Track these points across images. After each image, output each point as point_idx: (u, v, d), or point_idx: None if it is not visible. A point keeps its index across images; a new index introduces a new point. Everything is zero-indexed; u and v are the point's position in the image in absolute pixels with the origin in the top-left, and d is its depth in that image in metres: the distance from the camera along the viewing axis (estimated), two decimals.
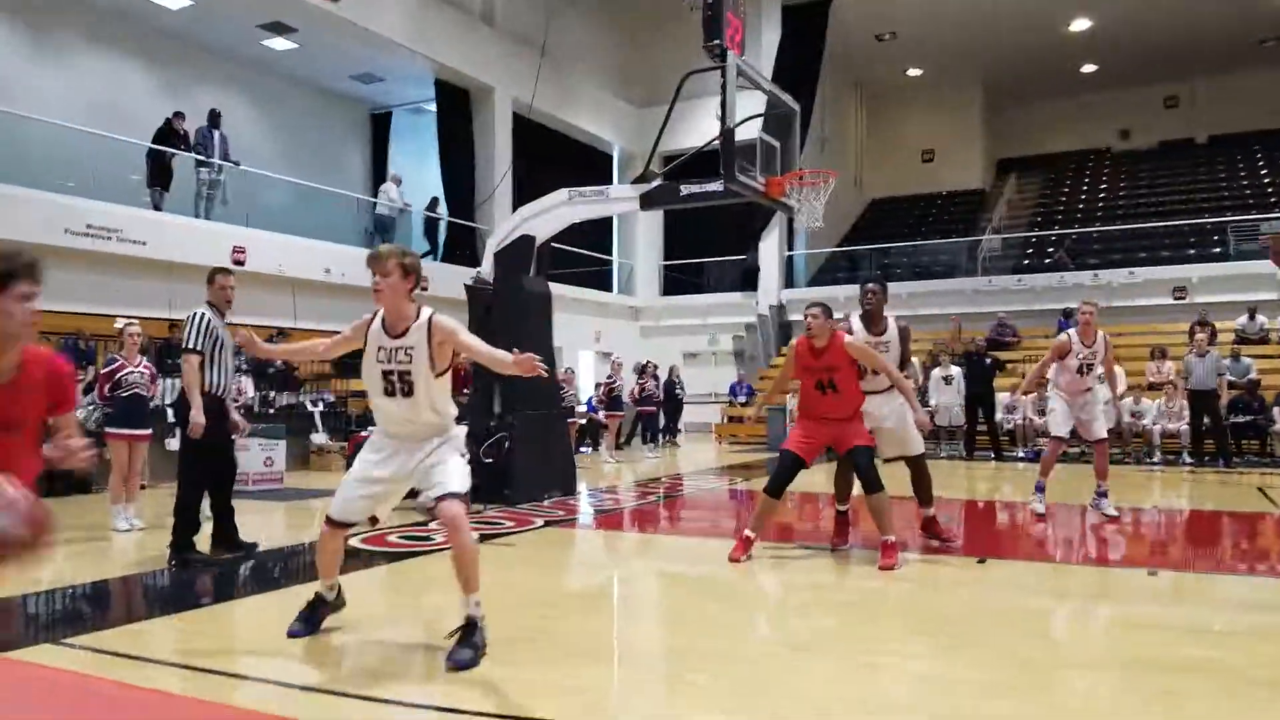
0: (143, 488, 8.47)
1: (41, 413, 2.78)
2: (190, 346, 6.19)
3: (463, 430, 4.25)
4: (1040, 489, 8.13)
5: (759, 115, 12.32)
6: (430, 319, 4.01)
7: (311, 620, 4.35)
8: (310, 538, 7.93)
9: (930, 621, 4.75)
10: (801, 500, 9.57)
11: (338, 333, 4.35)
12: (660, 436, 18.42)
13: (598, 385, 17.88)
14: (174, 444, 6.67)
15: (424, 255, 17.91)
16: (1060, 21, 23.08)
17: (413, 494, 4.27)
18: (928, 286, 21.19)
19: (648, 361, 18.77)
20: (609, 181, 21.55)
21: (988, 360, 15.43)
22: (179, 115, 14.72)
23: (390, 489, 4.15)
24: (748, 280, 23.69)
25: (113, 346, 9.36)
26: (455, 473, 4.02)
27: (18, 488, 2.34)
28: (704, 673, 3.85)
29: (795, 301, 23.17)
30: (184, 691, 3.55)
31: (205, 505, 6.50)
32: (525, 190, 17.65)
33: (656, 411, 18.12)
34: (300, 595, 4.54)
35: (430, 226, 19.60)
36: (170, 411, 9.33)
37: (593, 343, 22.30)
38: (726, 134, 10.44)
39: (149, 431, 8.17)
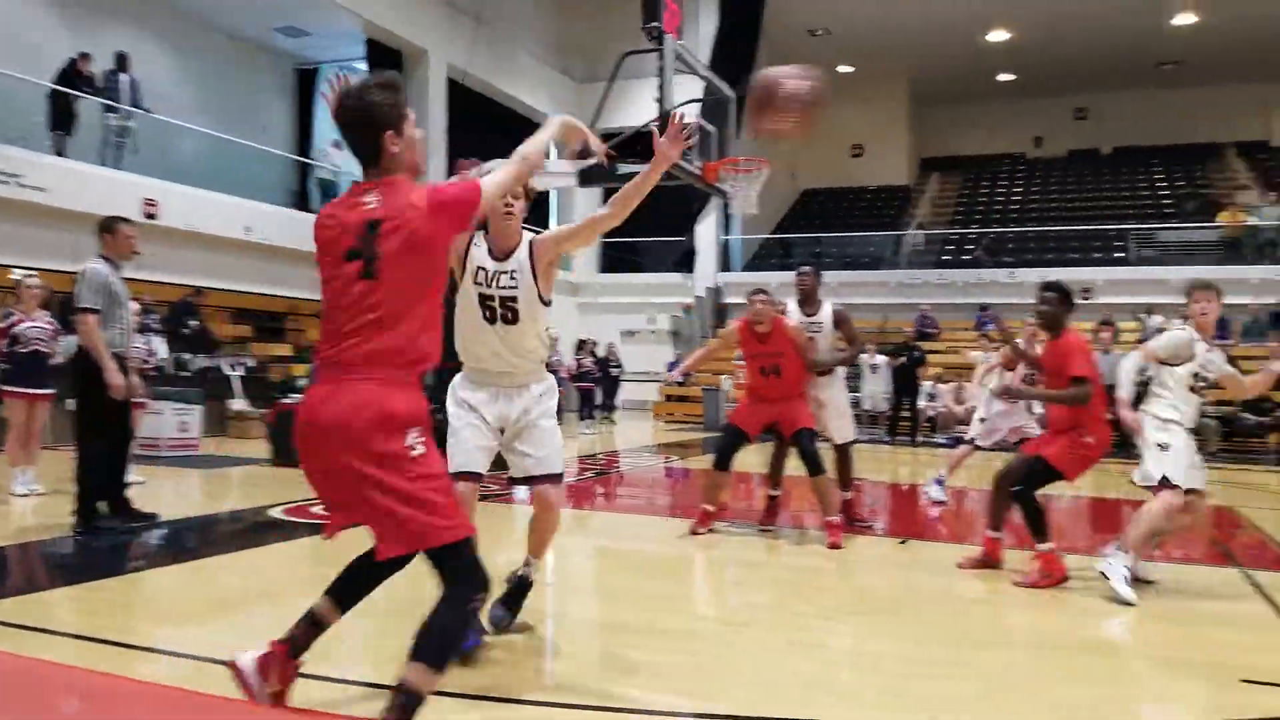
0: (45, 449, 8.08)
1: None
2: (84, 305, 5.78)
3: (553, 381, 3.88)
4: (940, 481, 8.26)
5: (696, 100, 12.45)
6: (531, 241, 3.71)
7: (512, 605, 3.94)
8: (226, 507, 7.80)
9: (861, 600, 4.97)
10: (735, 479, 9.75)
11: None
12: (596, 413, 18.53)
13: None
14: (72, 405, 6.34)
15: None
16: (980, 31, 23.76)
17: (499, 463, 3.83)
18: (856, 277, 21.71)
19: (587, 339, 18.85)
20: (546, 156, 21.38)
21: (915, 352, 15.99)
22: (85, 56, 13.96)
23: (495, 438, 3.69)
24: (686, 262, 23.90)
25: (9, 299, 8.83)
26: (557, 447, 3.73)
27: None
28: (641, 649, 3.89)
29: (731, 285, 23.50)
30: (84, 663, 3.36)
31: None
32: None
33: (594, 388, 18.23)
34: (210, 567, 4.41)
35: None
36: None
37: None
38: (664, 116, 10.53)
39: (51, 391, 7.65)
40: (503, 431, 3.69)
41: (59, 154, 13.45)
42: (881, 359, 16.26)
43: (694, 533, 6.33)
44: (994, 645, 4.18)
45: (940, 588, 5.19)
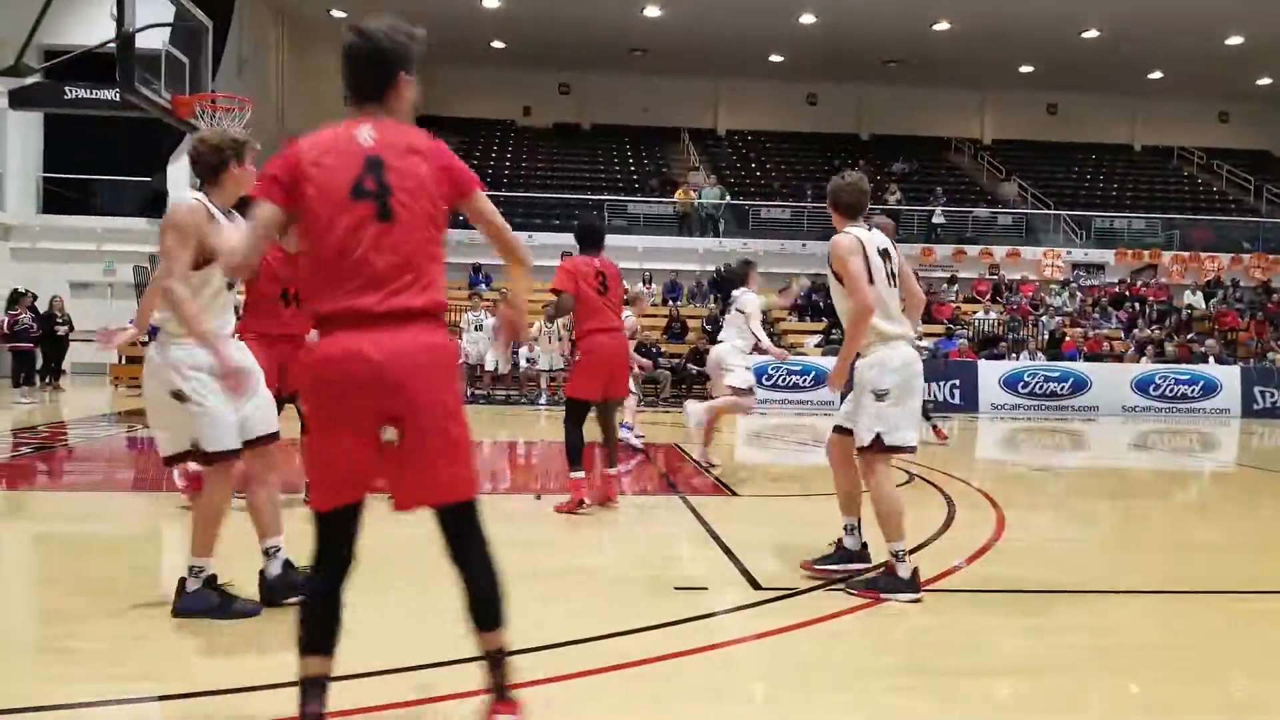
0: None
1: None
2: None
3: None
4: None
5: (165, 25, 11.15)
6: None
7: None
8: None
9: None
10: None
11: None
12: (37, 378, 15.76)
13: None
14: None
15: None
16: None
17: None
18: None
19: (25, 290, 15.83)
20: None
21: None
22: None
23: None
24: (155, 206, 21.22)
25: None
26: None
27: None
28: (80, 636, 3.52)
29: None
30: None
31: None
32: None
33: (34, 349, 15.44)
34: None
35: None
36: None
37: None
38: (124, 38, 9.28)
39: None
40: None
41: None
42: None
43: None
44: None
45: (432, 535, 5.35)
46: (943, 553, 5.14)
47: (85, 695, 2.94)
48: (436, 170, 2.52)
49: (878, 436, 4.17)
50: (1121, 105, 31.43)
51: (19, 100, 8.96)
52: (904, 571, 4.17)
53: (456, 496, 2.53)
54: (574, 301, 6.03)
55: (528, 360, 17.06)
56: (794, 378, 16.83)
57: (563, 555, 5.06)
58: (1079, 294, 22.10)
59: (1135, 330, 20.17)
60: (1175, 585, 4.67)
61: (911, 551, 4.46)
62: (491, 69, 29.59)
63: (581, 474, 6.10)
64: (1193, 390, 17.42)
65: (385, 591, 3.94)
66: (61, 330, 16.79)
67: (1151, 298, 22.22)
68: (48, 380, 16.50)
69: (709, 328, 19.08)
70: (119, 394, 16.54)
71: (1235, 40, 25.98)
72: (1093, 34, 25.82)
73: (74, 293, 19.80)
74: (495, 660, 2.53)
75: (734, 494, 7.01)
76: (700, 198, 23.33)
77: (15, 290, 15.71)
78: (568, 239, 23.12)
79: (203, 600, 3.71)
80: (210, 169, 3.90)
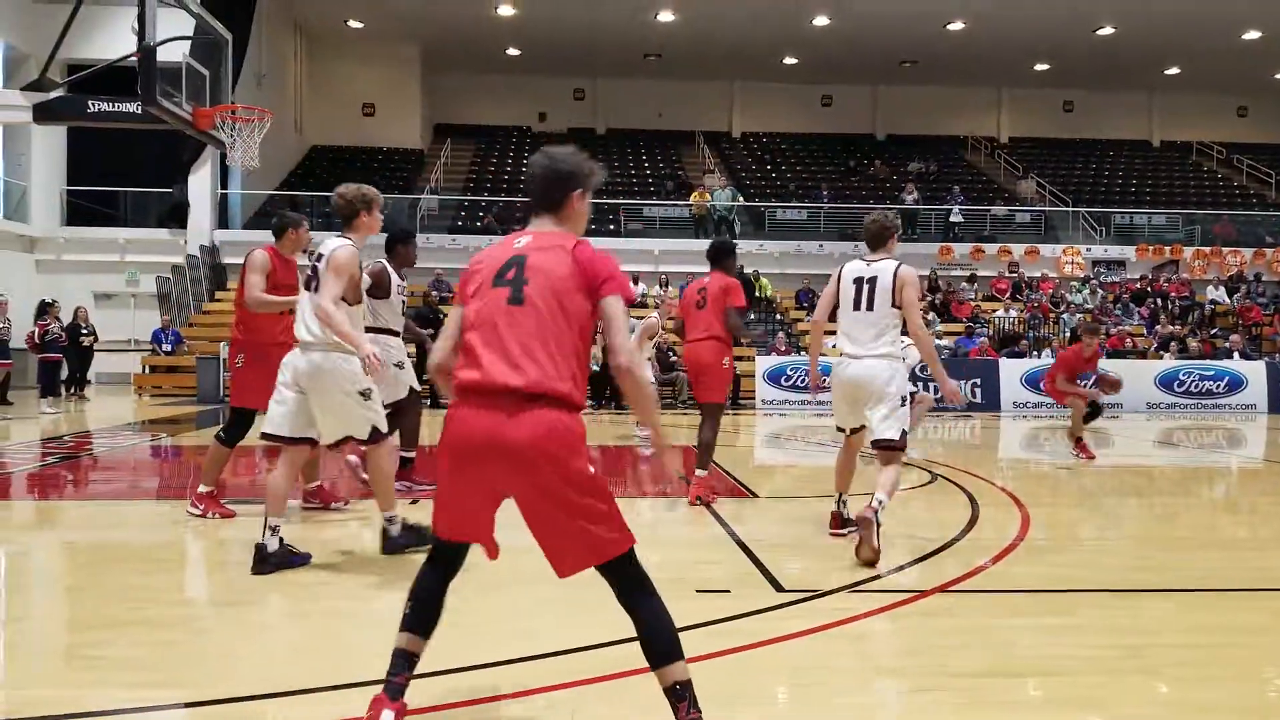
0: None
1: None
2: None
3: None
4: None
5: (185, 38, 11.27)
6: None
7: None
8: None
9: (366, 564, 4.94)
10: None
11: None
12: (62, 389, 15.95)
13: None
14: None
15: None
16: (489, 4, 24.55)
17: None
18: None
19: (52, 301, 16.05)
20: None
21: (442, 315, 16.45)
22: None
23: None
24: (176, 216, 21.47)
25: None
26: None
27: None
28: (113, 644, 3.57)
29: (230, 244, 21.67)
30: None
31: None
32: None
33: (60, 360, 15.63)
34: None
35: None
36: None
37: None
38: (146, 51, 9.37)
39: None
40: None
41: None
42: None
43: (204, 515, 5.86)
44: (506, 587, 4.43)
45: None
46: (967, 552, 5.12)
47: (115, 702, 2.98)
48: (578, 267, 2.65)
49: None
50: (1138, 101, 31.18)
51: (43, 114, 9.07)
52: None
53: (592, 561, 2.71)
54: (679, 324, 6.85)
55: None
56: None
57: None
58: (1100, 291, 21.91)
59: (1158, 326, 19.98)
60: (1205, 584, 4.62)
61: (936, 551, 4.44)
62: (507, 76, 29.71)
63: (705, 474, 6.61)
64: (1218, 386, 17.24)
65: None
66: (86, 340, 16.98)
67: (1174, 293, 22.00)
68: (73, 390, 16.68)
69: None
70: (143, 403, 16.70)
71: (1252, 35, 25.73)
72: (1107, 30, 25.64)
73: (97, 303, 20.08)
74: (671, 693, 2.65)
75: (754, 495, 6.99)
76: (715, 200, 23.30)
77: (43, 301, 15.92)
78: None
79: (406, 539, 4.88)
80: (346, 218, 4.88)
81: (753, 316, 21.04)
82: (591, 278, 2.61)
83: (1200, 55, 27.24)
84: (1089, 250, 23.82)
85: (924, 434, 11.94)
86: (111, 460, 9.35)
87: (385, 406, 5.13)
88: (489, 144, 29.74)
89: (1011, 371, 17.20)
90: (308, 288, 4.77)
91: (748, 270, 21.39)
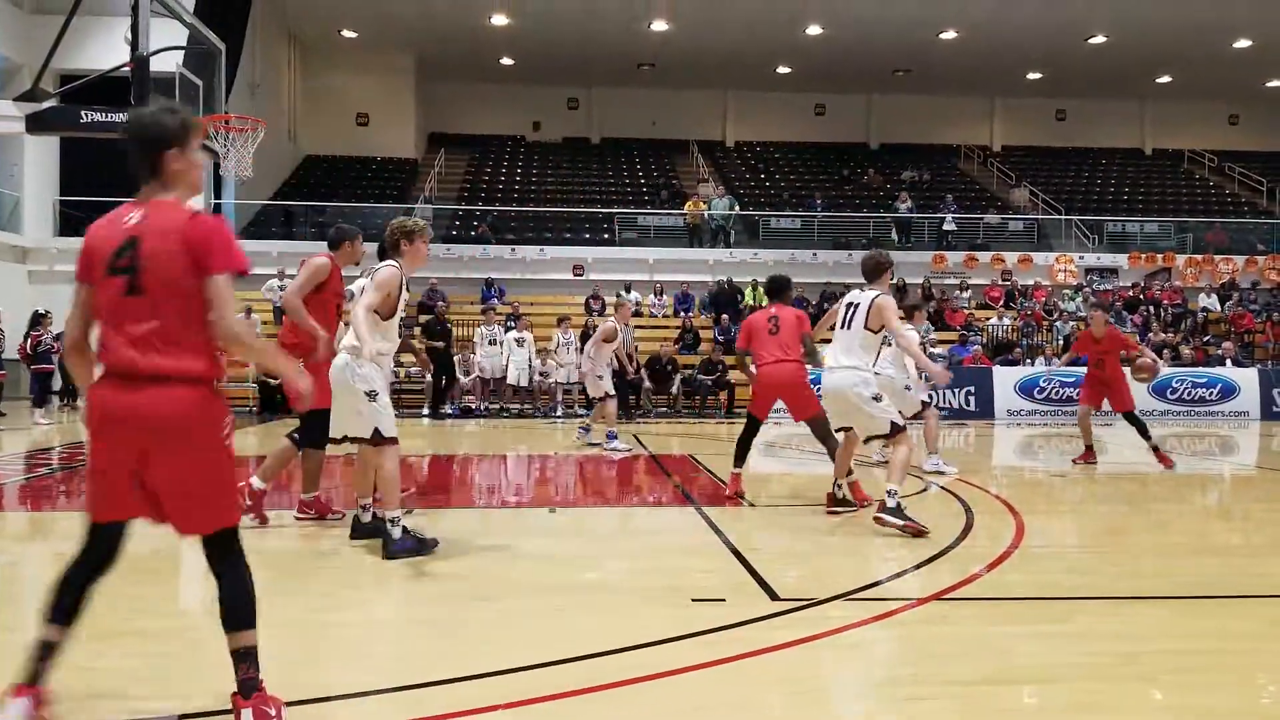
0: None
1: None
2: None
3: None
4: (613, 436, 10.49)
5: (179, 48, 11.28)
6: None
7: None
8: None
9: (363, 573, 4.92)
10: None
11: None
12: (57, 399, 15.90)
13: None
14: None
15: None
16: (483, 13, 24.59)
17: None
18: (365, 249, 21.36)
19: (45, 312, 16.00)
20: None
21: (448, 324, 16.73)
22: None
23: None
24: None
25: None
26: None
27: None
28: (107, 655, 3.56)
29: None
30: None
31: None
32: None
33: (53, 371, 15.58)
34: None
35: None
36: None
37: None
38: (139, 61, 9.38)
39: None
40: None
41: None
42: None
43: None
44: (500, 597, 4.42)
45: (456, 550, 5.36)
46: (962, 560, 5.12)
47: (107, 713, 2.97)
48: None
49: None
50: (1130, 109, 31.35)
51: (36, 124, 9.05)
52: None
53: (212, 526, 2.84)
54: (746, 355, 7.16)
55: (541, 374, 17.07)
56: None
57: (579, 568, 5.06)
58: (1093, 298, 21.97)
59: (1150, 334, 20.04)
60: (1199, 590, 4.63)
61: (931, 559, 4.43)
62: (501, 85, 29.75)
63: (739, 471, 7.08)
64: (1211, 393, 17.29)
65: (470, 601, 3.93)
66: None
67: (1166, 301, 22.07)
68: (65, 401, 16.62)
69: (721, 338, 19.08)
70: None
71: (1243, 43, 25.90)
72: (1100, 39, 25.78)
73: None
74: (237, 655, 2.84)
75: (750, 504, 6.99)
76: (710, 209, 23.34)
77: (36, 312, 15.85)
78: (579, 252, 23.42)
79: (406, 544, 5.00)
80: (391, 246, 5.33)
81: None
82: (201, 256, 2.64)
83: (1192, 64, 27.41)
84: (1082, 258, 23.89)
85: (920, 443, 11.95)
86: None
87: (351, 439, 5.33)
88: (483, 153, 29.76)
89: (1005, 379, 17.23)
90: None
91: (738, 280, 21.43)
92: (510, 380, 16.88)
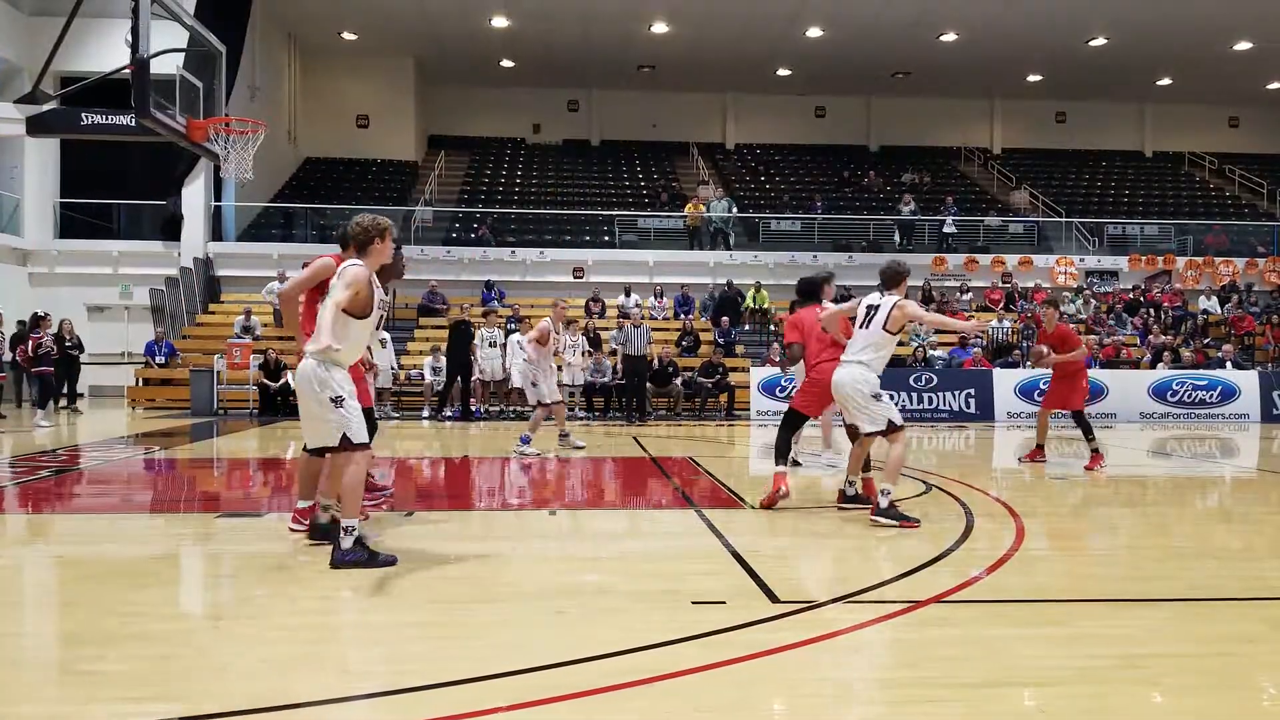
0: None
1: None
2: None
3: None
4: (526, 440, 10.32)
5: (179, 50, 11.28)
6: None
7: None
8: None
9: (364, 576, 4.91)
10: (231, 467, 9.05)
11: None
12: (52, 403, 15.89)
13: None
14: None
15: None
16: (483, 16, 24.61)
17: None
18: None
19: (45, 314, 16.02)
20: None
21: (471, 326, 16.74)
22: None
23: None
24: (169, 229, 21.49)
25: None
26: None
27: None
28: (107, 659, 3.55)
29: (224, 256, 21.69)
30: None
31: None
32: None
33: (53, 373, 15.59)
34: None
35: None
36: None
37: None
38: (140, 63, 9.37)
39: None
40: None
41: None
42: (386, 334, 16.25)
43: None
44: (500, 600, 4.42)
45: (450, 552, 5.36)
46: (962, 563, 5.11)
47: (110, 717, 2.96)
48: None
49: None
50: (1131, 112, 31.37)
51: (37, 127, 9.06)
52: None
53: None
54: (803, 350, 7.35)
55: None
56: None
57: (578, 570, 5.06)
58: (1093, 301, 21.98)
59: (1150, 336, 20.04)
60: (1199, 593, 4.63)
61: (931, 562, 4.43)
62: (501, 88, 29.79)
63: (784, 469, 6.87)
64: (1211, 396, 17.28)
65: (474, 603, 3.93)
66: (72, 353, 16.93)
67: (1166, 304, 22.08)
68: (60, 404, 16.61)
69: (721, 341, 19.07)
70: (137, 416, 16.64)
71: (1244, 45, 25.92)
72: (1100, 41, 25.81)
73: (91, 316, 20.04)
74: None
75: (750, 506, 6.98)
76: (710, 211, 23.35)
77: (35, 314, 15.87)
78: (579, 254, 23.45)
79: (354, 554, 4.82)
80: (361, 244, 5.08)
81: (746, 327, 21.05)
82: None
83: (1192, 66, 27.43)
84: (1082, 260, 23.91)
85: (917, 444, 11.95)
86: (104, 474, 9.31)
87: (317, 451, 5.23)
88: (483, 155, 29.78)
89: (1005, 382, 17.22)
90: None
91: (739, 282, 21.43)
92: (515, 383, 16.85)
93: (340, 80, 28.16)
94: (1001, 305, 21.81)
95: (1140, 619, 4.18)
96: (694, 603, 4.26)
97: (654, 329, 20.18)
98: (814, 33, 25.37)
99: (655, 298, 21.29)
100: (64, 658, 3.71)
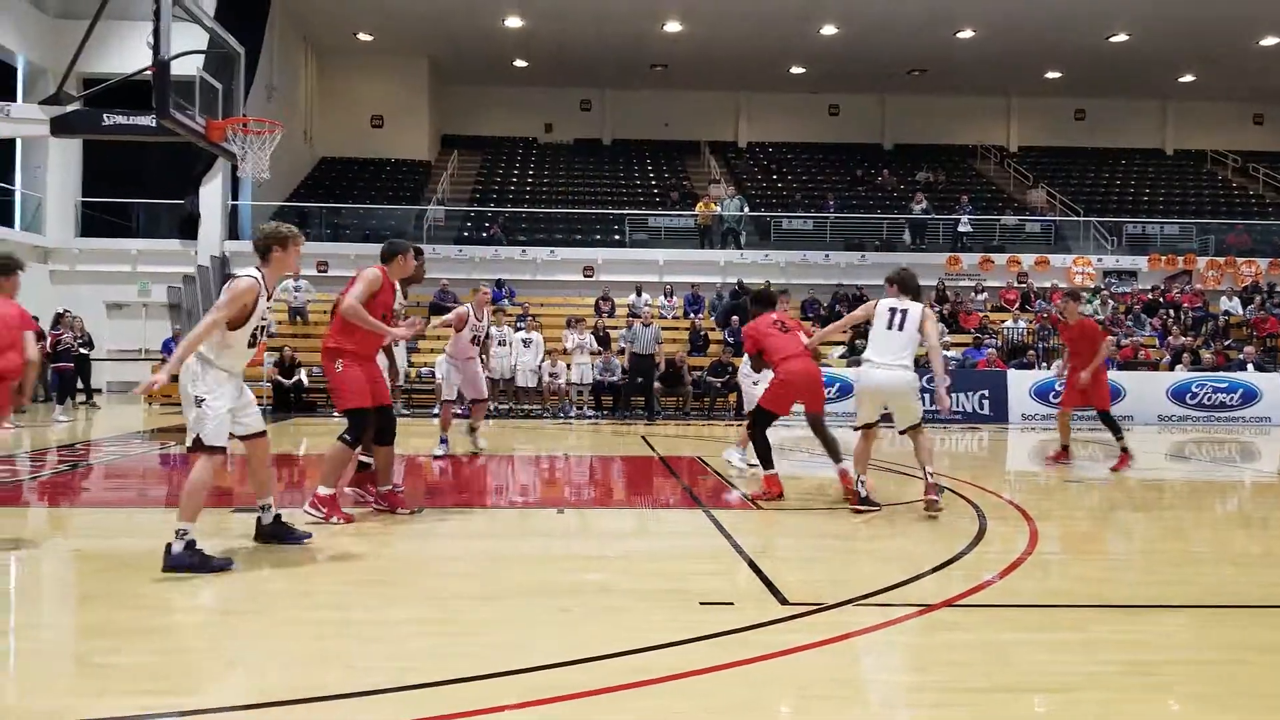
0: None
1: None
2: None
3: None
4: (444, 441, 9.93)
5: (198, 52, 11.36)
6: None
7: None
8: None
9: (370, 573, 4.93)
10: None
11: None
12: (69, 399, 16.07)
13: None
14: None
15: None
16: (497, 16, 24.64)
17: None
18: (376, 250, 21.41)
19: (65, 311, 16.24)
20: (11, 98, 18.02)
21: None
22: None
23: None
24: (187, 228, 21.67)
25: None
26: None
27: None
28: (121, 652, 3.58)
29: (240, 254, 21.79)
30: None
31: None
32: None
33: (73, 369, 15.80)
34: None
35: None
36: None
37: None
38: (161, 65, 9.44)
39: None
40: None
41: None
42: None
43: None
44: (506, 598, 4.42)
45: (463, 550, 5.37)
46: (974, 567, 5.08)
47: (125, 710, 2.97)
48: None
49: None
50: (1151, 109, 31.09)
51: (60, 127, 9.16)
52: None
53: None
54: (762, 356, 7.38)
55: (550, 374, 17.07)
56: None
57: (586, 570, 5.05)
58: (1111, 301, 21.80)
59: (1170, 338, 19.86)
60: (1215, 600, 4.58)
61: (942, 565, 4.40)
62: (513, 87, 29.84)
63: (774, 471, 7.15)
64: (1231, 398, 17.12)
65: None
66: (83, 350, 17.06)
67: (1186, 304, 21.86)
68: (75, 399, 16.76)
69: (730, 340, 19.04)
70: (154, 412, 16.77)
71: (1269, 41, 25.62)
72: (1121, 38, 25.58)
73: (110, 313, 20.20)
74: None
75: (757, 507, 6.97)
76: (722, 210, 23.30)
77: (57, 313, 16.09)
78: (591, 254, 23.47)
79: (185, 559, 4.67)
80: (261, 251, 5.13)
81: None
82: None
83: (1215, 62, 27.14)
84: (1100, 260, 23.71)
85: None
86: (121, 468, 9.38)
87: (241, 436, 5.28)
88: (496, 155, 29.84)
89: (1020, 383, 17.10)
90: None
91: (749, 282, 21.37)
92: (519, 382, 16.92)
93: (355, 80, 28.28)
94: (1017, 305, 21.67)
95: (1154, 625, 4.13)
96: (702, 603, 4.25)
97: (663, 328, 20.20)
98: (828, 30, 25.27)
99: (665, 297, 21.26)
100: (80, 650, 3.74)
